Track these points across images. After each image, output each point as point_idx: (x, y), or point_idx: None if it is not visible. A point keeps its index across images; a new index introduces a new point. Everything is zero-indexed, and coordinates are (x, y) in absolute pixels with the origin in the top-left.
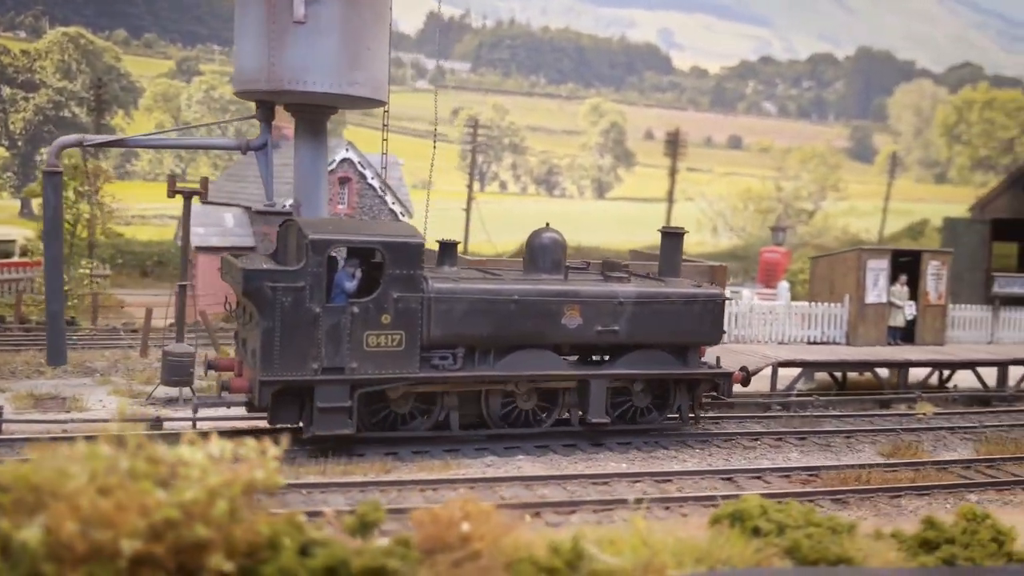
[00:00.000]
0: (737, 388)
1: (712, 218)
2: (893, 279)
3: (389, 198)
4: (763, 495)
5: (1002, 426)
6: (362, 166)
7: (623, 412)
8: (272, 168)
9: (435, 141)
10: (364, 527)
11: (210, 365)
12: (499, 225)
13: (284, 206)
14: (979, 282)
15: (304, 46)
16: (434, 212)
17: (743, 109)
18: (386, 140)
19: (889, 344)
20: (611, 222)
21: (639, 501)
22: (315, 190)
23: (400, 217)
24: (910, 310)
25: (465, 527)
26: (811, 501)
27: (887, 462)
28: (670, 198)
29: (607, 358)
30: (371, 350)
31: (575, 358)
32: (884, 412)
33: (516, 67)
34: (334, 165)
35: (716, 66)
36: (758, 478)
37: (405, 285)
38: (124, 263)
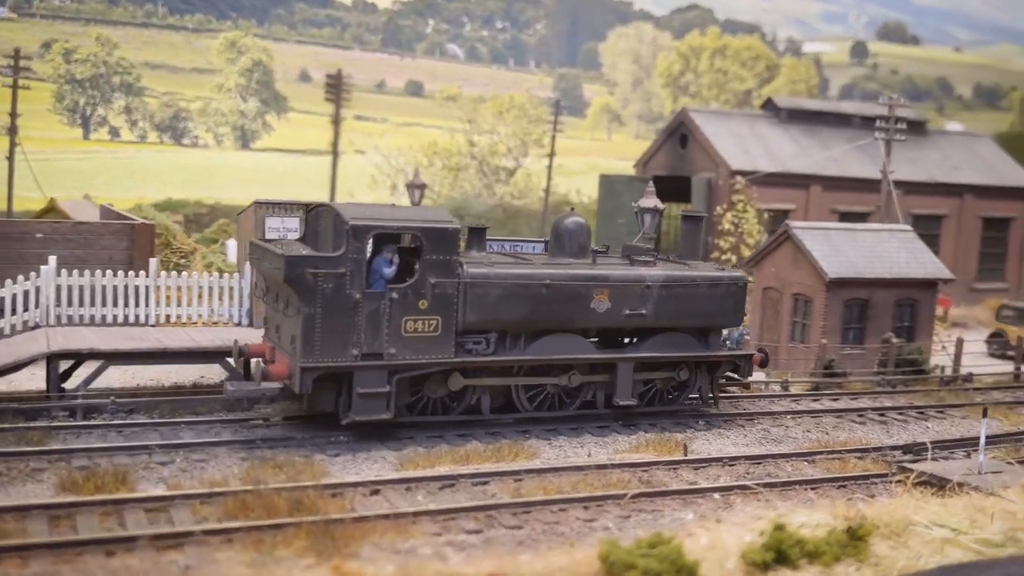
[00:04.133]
0: None
1: (390, 174)
2: None
3: None
4: None
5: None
6: None
7: (644, 393)
8: None
9: None
10: None
11: (241, 351)
12: (109, 178)
13: None
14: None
15: None
16: None
17: (423, 51)
18: None
19: None
20: (261, 176)
21: None
22: None
23: None
24: None
25: None
26: None
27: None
28: (335, 150)
29: (628, 341)
30: (409, 335)
31: (593, 340)
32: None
33: None
34: None
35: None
36: None
37: (442, 270)
38: None
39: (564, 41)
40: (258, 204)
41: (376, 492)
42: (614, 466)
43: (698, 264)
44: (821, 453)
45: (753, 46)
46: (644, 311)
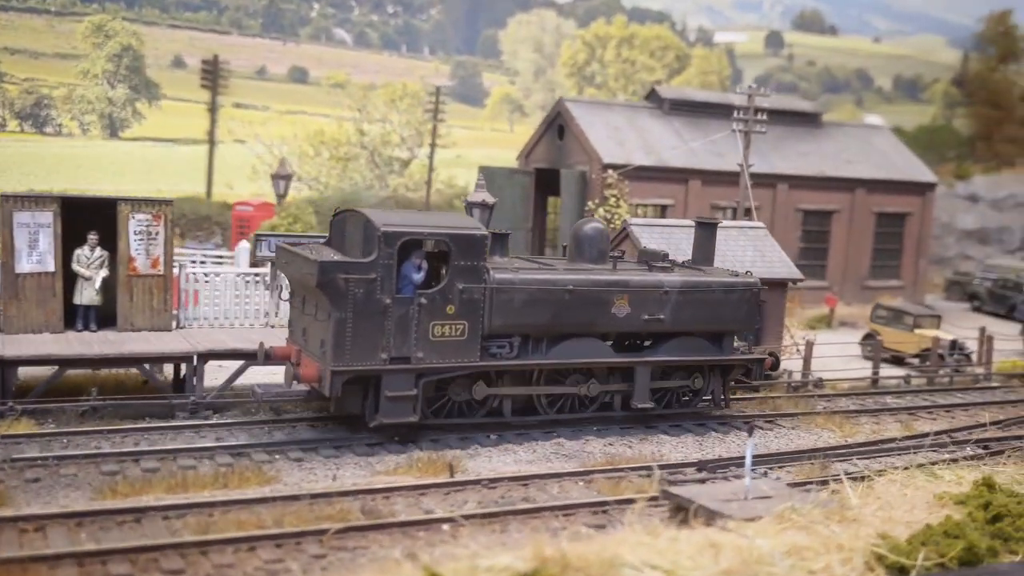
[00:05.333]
0: None
1: (272, 165)
2: (80, 238)
3: None
4: None
5: None
6: None
7: (659, 396)
8: None
9: None
10: None
11: (267, 354)
12: None
13: None
14: (523, 243)
15: None
16: None
17: (307, 36)
18: None
19: (79, 330)
20: (131, 166)
21: None
22: None
23: None
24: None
25: None
26: None
27: None
28: (211, 139)
29: (642, 345)
30: (436, 340)
31: (608, 344)
32: None
33: None
34: None
35: None
36: None
37: (470, 276)
38: None
39: (461, 27)
40: (4, 197)
41: (40, 529)
42: (340, 494)
43: (712, 270)
44: (598, 472)
45: (662, 35)
46: (662, 316)
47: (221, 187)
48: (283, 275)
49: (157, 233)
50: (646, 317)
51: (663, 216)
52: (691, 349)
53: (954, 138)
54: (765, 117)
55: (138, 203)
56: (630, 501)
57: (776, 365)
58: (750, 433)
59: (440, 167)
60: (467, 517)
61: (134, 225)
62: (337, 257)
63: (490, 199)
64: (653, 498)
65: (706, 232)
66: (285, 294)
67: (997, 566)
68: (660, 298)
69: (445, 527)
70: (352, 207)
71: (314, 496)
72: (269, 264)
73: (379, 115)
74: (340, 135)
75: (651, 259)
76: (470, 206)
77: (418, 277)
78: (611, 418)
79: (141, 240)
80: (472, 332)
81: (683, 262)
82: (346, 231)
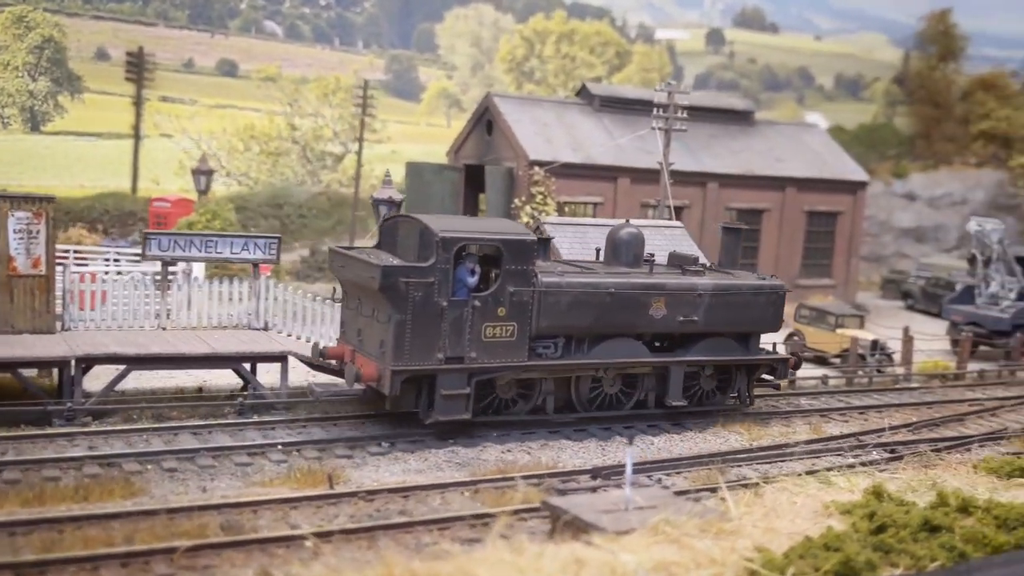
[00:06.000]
0: None
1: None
2: None
3: None
4: None
5: None
6: None
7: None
8: None
9: None
10: None
11: (321, 353)
12: None
13: None
14: None
15: None
16: None
17: (237, 28)
18: None
19: None
20: (52, 161)
21: None
22: None
23: None
24: None
25: None
26: None
27: None
28: (136, 133)
29: (672, 346)
30: (488, 340)
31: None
32: None
33: None
34: None
35: None
36: None
37: (520, 279)
38: None
39: (396, 21)
40: None
41: None
42: (203, 508)
43: (740, 273)
44: (484, 481)
45: (602, 32)
46: (695, 318)
47: (147, 182)
48: (336, 277)
49: (38, 231)
50: (681, 319)
51: (594, 215)
52: (721, 349)
53: (895, 136)
54: (686, 115)
55: (17, 200)
56: (513, 513)
57: (799, 365)
58: (630, 442)
59: (375, 162)
60: (321, 535)
61: (13, 223)
62: (396, 262)
63: (397, 196)
64: (536, 508)
65: (732, 237)
66: (338, 295)
67: None
68: (694, 300)
69: (308, 543)
70: (405, 213)
71: (174, 510)
72: (160, 264)
73: (311, 109)
74: (271, 129)
75: (683, 262)
76: (377, 203)
77: (472, 281)
78: (645, 415)
79: (21, 239)
80: (521, 333)
81: (711, 265)
82: (398, 236)
